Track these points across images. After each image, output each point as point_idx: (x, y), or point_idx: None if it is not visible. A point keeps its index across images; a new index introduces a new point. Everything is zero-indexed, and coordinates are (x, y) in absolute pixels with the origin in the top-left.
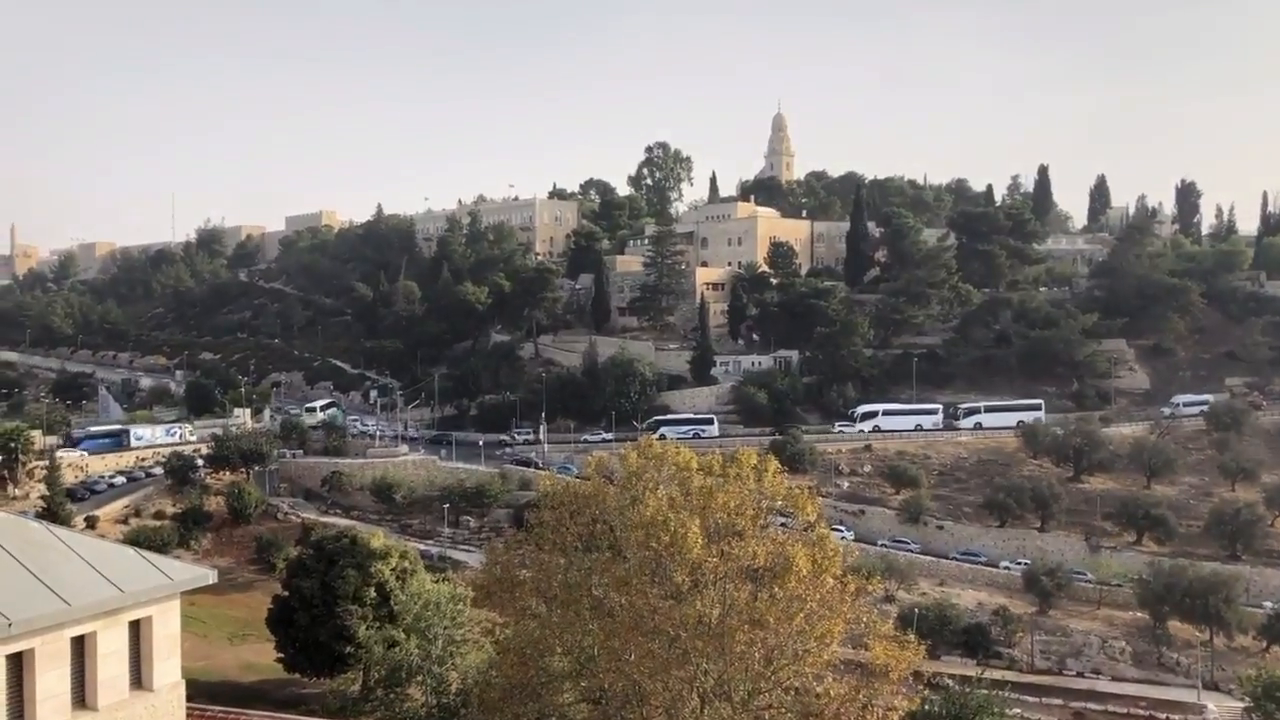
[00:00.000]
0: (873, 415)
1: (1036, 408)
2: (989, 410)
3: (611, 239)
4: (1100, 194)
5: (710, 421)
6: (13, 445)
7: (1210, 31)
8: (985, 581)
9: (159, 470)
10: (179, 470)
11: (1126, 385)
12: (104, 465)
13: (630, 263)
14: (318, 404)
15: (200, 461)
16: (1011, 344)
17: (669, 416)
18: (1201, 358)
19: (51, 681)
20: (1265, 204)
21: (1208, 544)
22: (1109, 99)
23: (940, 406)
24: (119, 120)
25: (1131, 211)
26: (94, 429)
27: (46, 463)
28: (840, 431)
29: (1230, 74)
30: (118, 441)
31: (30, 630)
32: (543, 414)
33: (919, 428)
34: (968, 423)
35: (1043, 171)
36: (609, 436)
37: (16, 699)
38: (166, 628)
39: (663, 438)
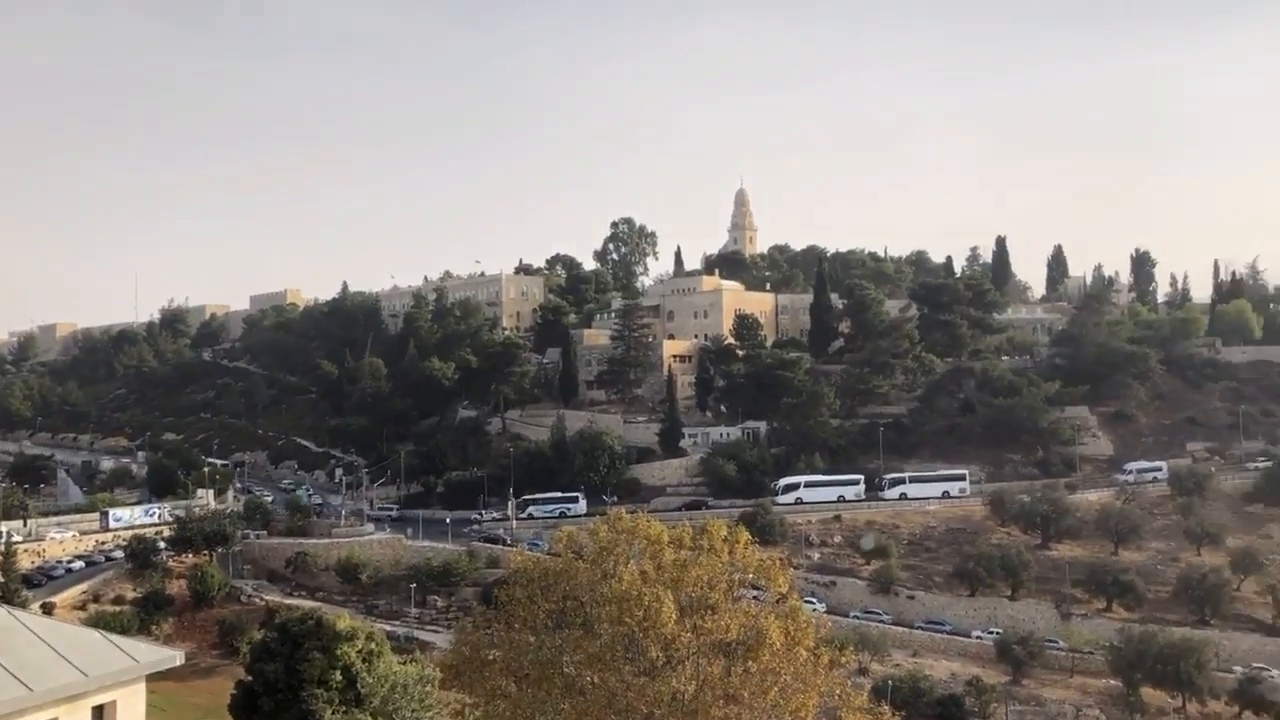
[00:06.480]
0: (794, 488)
1: (960, 478)
2: (914, 480)
3: (578, 313)
4: (1058, 264)
5: (575, 499)
6: None
7: (1159, 112)
8: (958, 651)
9: (119, 554)
10: (140, 553)
11: (1090, 452)
12: (61, 550)
13: (597, 336)
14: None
15: (162, 544)
16: (976, 412)
17: (537, 495)
18: (1163, 423)
19: None
20: (1217, 272)
21: (1177, 609)
22: (1064, 174)
23: (861, 477)
24: (80, 200)
25: (1089, 281)
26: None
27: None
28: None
29: (1180, 149)
30: None
31: None
32: (510, 490)
33: (841, 499)
34: (892, 493)
35: (1000, 243)
36: (497, 515)
37: None
38: (131, 712)
39: (530, 517)
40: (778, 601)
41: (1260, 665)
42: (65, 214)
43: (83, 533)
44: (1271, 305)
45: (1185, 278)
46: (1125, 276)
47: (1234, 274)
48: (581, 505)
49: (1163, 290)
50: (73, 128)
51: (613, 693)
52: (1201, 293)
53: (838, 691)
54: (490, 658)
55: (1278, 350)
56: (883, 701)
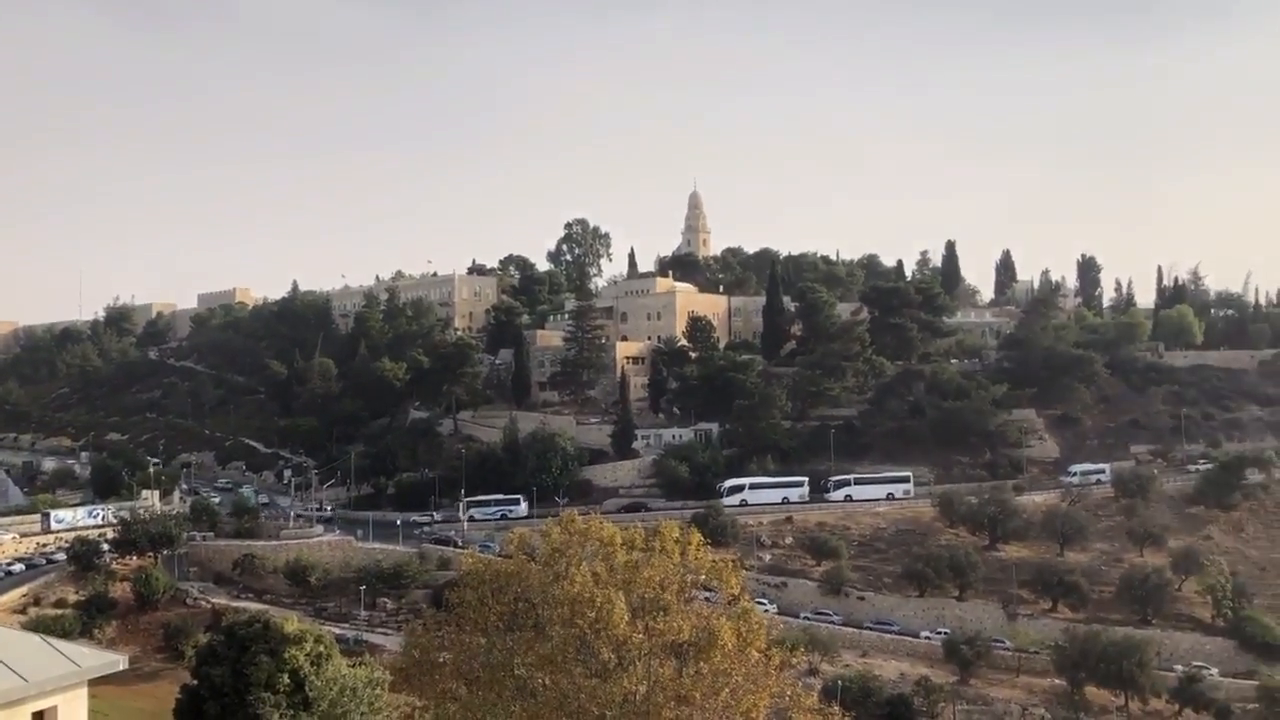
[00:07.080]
0: (739, 489)
1: (905, 480)
2: (859, 482)
3: (531, 314)
4: (1006, 268)
5: (517, 501)
6: None
7: (1107, 119)
8: (907, 652)
9: (61, 556)
10: (83, 556)
11: (1037, 454)
12: (1, 552)
13: (550, 338)
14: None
15: (106, 546)
16: (925, 415)
17: (479, 498)
18: (1107, 426)
19: None
20: (1160, 278)
21: (1120, 609)
22: (1014, 179)
23: (806, 479)
24: (22, 195)
25: (1036, 285)
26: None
27: None
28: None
29: (1128, 156)
30: None
31: None
32: (462, 491)
33: (786, 500)
34: (837, 495)
35: (950, 247)
36: (438, 517)
37: None
38: (73, 718)
39: (471, 519)
40: (729, 603)
41: (1199, 664)
42: (6, 209)
43: (23, 534)
44: (1212, 311)
45: (1130, 283)
46: (1072, 281)
47: (1176, 280)
48: (523, 508)
49: (1108, 295)
50: (13, 123)
51: (564, 694)
52: (1145, 298)
53: (789, 692)
54: (441, 660)
55: (1218, 355)
56: (833, 702)
